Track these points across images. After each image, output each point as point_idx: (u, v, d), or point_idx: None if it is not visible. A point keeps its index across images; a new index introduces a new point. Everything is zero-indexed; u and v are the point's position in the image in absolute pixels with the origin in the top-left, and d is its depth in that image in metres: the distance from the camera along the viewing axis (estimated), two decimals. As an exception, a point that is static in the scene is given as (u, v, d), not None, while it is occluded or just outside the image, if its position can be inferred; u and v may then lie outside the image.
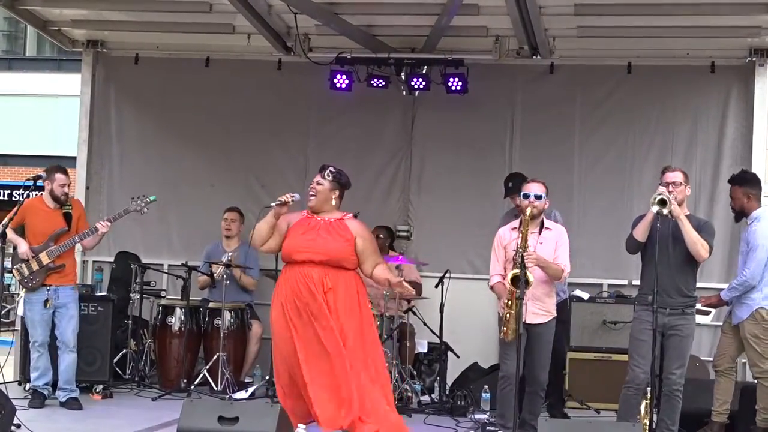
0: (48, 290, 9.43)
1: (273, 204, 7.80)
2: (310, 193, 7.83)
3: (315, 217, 7.81)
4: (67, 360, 9.51)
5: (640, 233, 8.06)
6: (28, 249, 9.40)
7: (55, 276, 9.47)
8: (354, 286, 7.73)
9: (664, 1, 9.83)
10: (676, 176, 8.20)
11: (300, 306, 7.62)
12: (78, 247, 10.10)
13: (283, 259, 7.87)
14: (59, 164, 9.82)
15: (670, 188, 8.03)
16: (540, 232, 8.34)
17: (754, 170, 10.34)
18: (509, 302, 7.98)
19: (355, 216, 7.99)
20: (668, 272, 8.01)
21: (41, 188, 9.61)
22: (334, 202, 7.81)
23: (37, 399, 9.44)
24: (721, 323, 9.62)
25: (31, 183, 9.52)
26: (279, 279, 7.92)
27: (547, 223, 8.46)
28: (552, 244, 8.33)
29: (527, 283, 7.78)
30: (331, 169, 7.87)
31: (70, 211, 9.60)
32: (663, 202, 7.82)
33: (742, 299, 8.87)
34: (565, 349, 10.10)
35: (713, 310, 9.08)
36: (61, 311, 9.49)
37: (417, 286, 10.76)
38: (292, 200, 7.78)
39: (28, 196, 9.27)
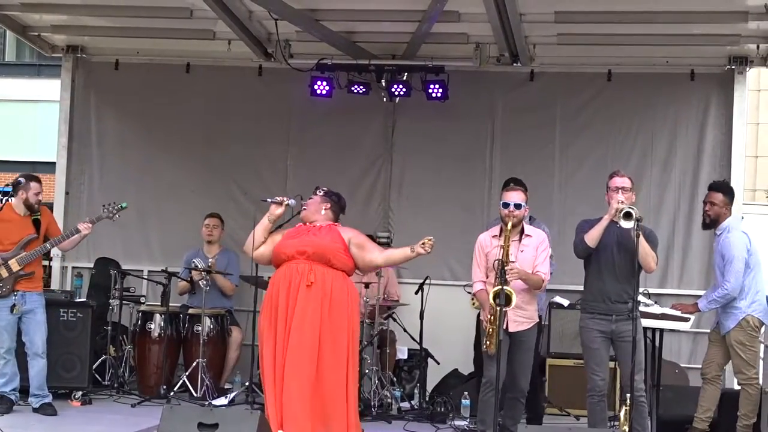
0: (15, 296, 9.36)
1: (269, 199, 7.88)
2: (303, 208, 7.99)
3: (306, 224, 7.89)
4: (37, 366, 9.44)
5: (593, 240, 8.06)
6: None
7: (23, 282, 9.40)
8: (343, 286, 7.72)
9: (644, 9, 9.86)
10: (625, 182, 8.19)
11: (280, 303, 7.61)
12: (58, 252, 10.08)
13: (274, 262, 7.89)
14: (32, 173, 9.80)
15: (620, 193, 8.04)
16: (520, 240, 8.34)
17: (733, 177, 10.51)
18: (492, 318, 8.00)
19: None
20: (613, 279, 8.06)
21: (7, 194, 9.57)
22: (324, 212, 7.90)
23: (4, 404, 9.34)
24: (700, 330, 9.67)
25: (11, 189, 9.53)
26: (269, 283, 7.95)
27: (527, 229, 8.46)
28: (533, 250, 8.33)
29: (509, 302, 7.81)
30: (324, 188, 8.09)
31: (38, 217, 9.57)
32: (628, 215, 7.83)
33: (727, 309, 8.92)
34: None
35: (692, 317, 9.10)
36: (29, 317, 9.42)
37: (395, 302, 10.77)
38: (288, 203, 7.87)
39: (8, 201, 9.27)
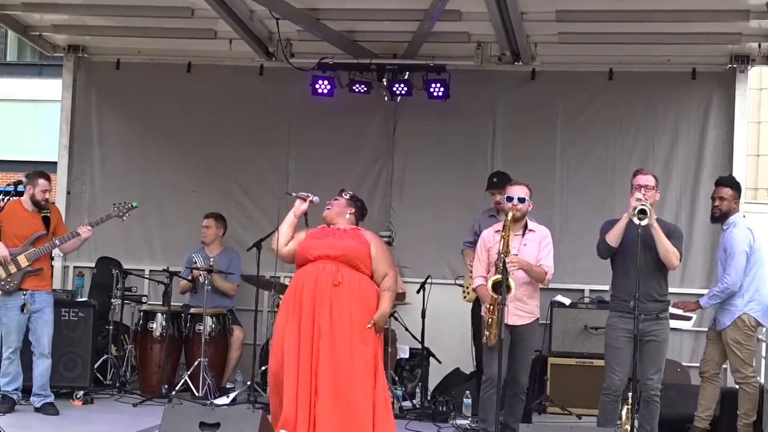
0: (24, 295, 9.35)
1: (293, 194, 7.94)
2: (327, 207, 8.02)
3: (330, 226, 7.95)
4: (42, 366, 9.44)
5: (614, 239, 8.05)
6: (6, 252, 9.34)
7: (32, 280, 9.39)
8: (371, 288, 7.72)
9: (645, 7, 9.86)
10: (648, 180, 8.15)
11: (305, 300, 7.59)
12: (59, 252, 10.08)
13: (297, 261, 7.88)
14: (41, 170, 9.78)
15: (643, 191, 8.02)
16: (524, 234, 8.35)
17: (734, 176, 10.41)
18: (491, 307, 8.01)
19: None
20: (640, 277, 8.00)
21: (21, 193, 9.57)
22: (348, 216, 7.95)
23: (6, 403, 9.32)
24: (702, 329, 9.66)
25: (11, 188, 9.51)
26: (290, 283, 7.94)
27: (531, 224, 8.47)
28: (536, 245, 8.35)
29: (508, 289, 7.80)
30: (350, 192, 8.17)
31: (48, 215, 9.56)
32: (643, 212, 7.82)
33: (724, 305, 8.93)
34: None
35: (694, 316, 9.12)
36: (37, 316, 9.41)
37: (401, 296, 10.75)
38: (313, 199, 7.93)
39: (9, 201, 9.26)
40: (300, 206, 8.00)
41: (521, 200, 8.30)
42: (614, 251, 8.12)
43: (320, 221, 8.10)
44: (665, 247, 7.94)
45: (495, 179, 9.87)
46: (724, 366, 9.45)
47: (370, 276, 7.81)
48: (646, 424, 8.02)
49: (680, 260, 8.16)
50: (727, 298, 8.90)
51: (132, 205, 9.70)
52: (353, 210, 8.04)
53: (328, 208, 8.01)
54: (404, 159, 11.85)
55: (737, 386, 9.02)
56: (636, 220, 7.82)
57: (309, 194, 8.06)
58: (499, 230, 8.31)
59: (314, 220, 8.16)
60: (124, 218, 9.77)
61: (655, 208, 10.95)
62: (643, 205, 7.83)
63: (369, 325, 7.62)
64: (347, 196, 8.08)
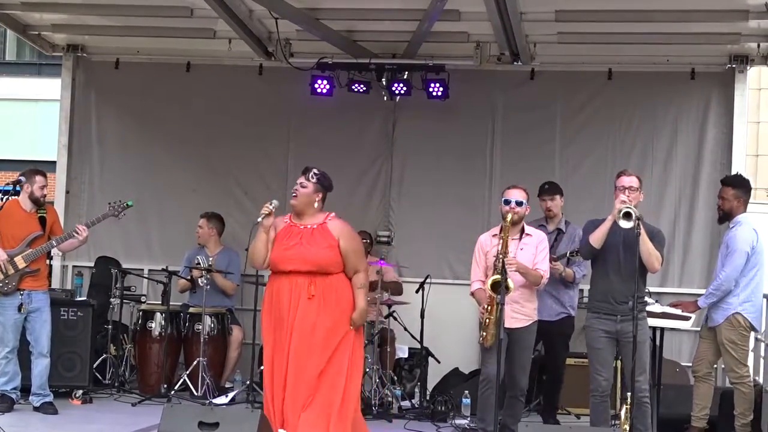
0: (21, 295, 9.35)
1: (259, 219, 7.73)
2: (293, 194, 7.76)
3: (297, 224, 7.73)
4: (41, 365, 9.45)
5: (597, 240, 8.03)
6: (5, 256, 9.33)
7: (29, 280, 9.39)
8: (344, 294, 7.64)
9: (644, 7, 9.86)
10: (632, 181, 8.15)
11: (282, 315, 7.57)
12: (57, 252, 10.07)
13: (270, 268, 7.82)
14: (35, 168, 9.78)
15: (627, 193, 8.01)
16: (521, 238, 8.36)
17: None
18: (488, 308, 8.01)
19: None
20: (619, 279, 8.02)
21: (20, 193, 9.55)
22: (316, 205, 7.75)
23: (5, 403, 9.33)
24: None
25: (10, 188, 9.50)
26: (266, 288, 7.86)
27: (528, 228, 8.49)
28: (532, 249, 8.35)
29: (507, 289, 7.80)
30: (315, 171, 7.78)
31: (44, 215, 9.56)
32: (628, 215, 7.81)
33: (718, 303, 8.90)
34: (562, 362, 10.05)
35: (693, 316, 9.10)
36: (35, 316, 9.42)
37: (397, 286, 10.76)
38: (273, 208, 7.74)
39: (15, 198, 9.28)
40: (267, 222, 7.69)
41: (519, 204, 8.31)
42: (597, 252, 8.12)
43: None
44: (648, 250, 7.92)
45: (546, 186, 9.85)
46: (722, 366, 9.44)
47: (343, 272, 7.69)
48: (639, 425, 7.98)
49: (661, 264, 8.15)
50: (723, 296, 8.88)
51: (127, 204, 9.70)
52: (321, 196, 7.74)
53: (294, 196, 7.73)
54: (403, 158, 11.85)
55: (732, 386, 9.02)
56: (621, 224, 7.81)
57: (267, 205, 7.70)
58: (496, 234, 8.31)
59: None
60: (119, 217, 9.77)
61: (655, 207, 11.07)
62: (628, 207, 7.82)
63: (352, 327, 7.57)
64: (314, 180, 7.73)
